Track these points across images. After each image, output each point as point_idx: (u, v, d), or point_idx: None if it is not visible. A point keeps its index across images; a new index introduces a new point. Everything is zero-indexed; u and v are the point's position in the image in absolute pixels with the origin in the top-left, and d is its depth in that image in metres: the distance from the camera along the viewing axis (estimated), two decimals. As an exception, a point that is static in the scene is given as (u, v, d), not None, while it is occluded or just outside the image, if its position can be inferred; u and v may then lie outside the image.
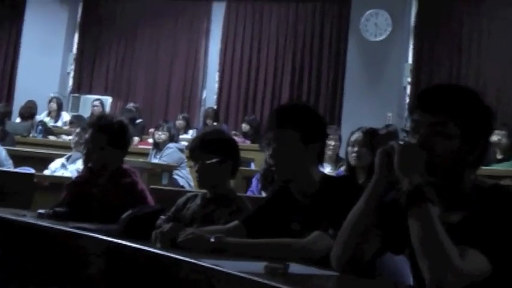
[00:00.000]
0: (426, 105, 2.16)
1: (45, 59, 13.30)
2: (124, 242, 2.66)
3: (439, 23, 11.83)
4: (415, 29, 11.88)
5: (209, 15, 13.51)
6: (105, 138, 4.07)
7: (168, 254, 2.40)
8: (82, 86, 13.91)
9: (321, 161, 3.11)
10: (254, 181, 6.05)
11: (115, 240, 2.70)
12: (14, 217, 3.34)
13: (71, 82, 13.97)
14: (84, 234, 2.83)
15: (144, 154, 9.36)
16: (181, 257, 2.33)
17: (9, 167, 7.13)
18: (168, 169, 8.10)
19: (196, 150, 3.75)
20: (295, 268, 2.24)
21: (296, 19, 12.80)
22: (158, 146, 9.21)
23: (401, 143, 2.13)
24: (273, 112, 3.14)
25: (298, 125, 2.97)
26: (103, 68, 14.01)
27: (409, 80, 11.72)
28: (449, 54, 11.75)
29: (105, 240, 2.74)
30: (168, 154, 8.82)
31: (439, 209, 2.16)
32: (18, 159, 7.65)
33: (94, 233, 2.84)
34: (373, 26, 11.61)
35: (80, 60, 14.05)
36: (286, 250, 2.75)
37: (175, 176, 8.26)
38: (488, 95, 11.19)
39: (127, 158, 4.18)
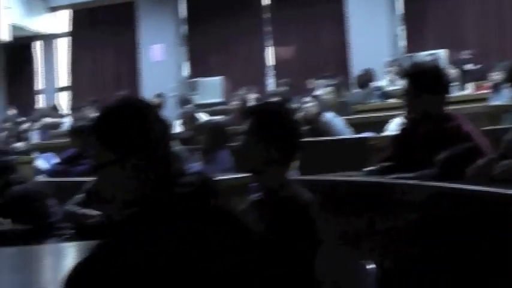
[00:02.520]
0: None
1: (372, 25, 13.39)
2: (439, 184, 2.58)
3: None
4: None
5: None
6: (421, 85, 3.97)
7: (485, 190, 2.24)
8: (411, 45, 13.71)
9: None
10: None
11: (428, 184, 2.63)
12: (335, 178, 3.41)
13: (401, 43, 13.86)
14: (395, 183, 2.79)
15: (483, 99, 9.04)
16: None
17: (348, 135, 7.31)
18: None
19: None
20: None
21: None
22: (496, 87, 8.86)
23: None
24: None
25: None
26: (434, 23, 13.66)
27: None
28: None
29: (419, 185, 2.67)
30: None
31: None
32: (358, 126, 7.79)
33: (407, 180, 2.80)
34: None
35: (407, 19, 13.87)
36: None
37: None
38: None
39: (461, 106, 4.00)
